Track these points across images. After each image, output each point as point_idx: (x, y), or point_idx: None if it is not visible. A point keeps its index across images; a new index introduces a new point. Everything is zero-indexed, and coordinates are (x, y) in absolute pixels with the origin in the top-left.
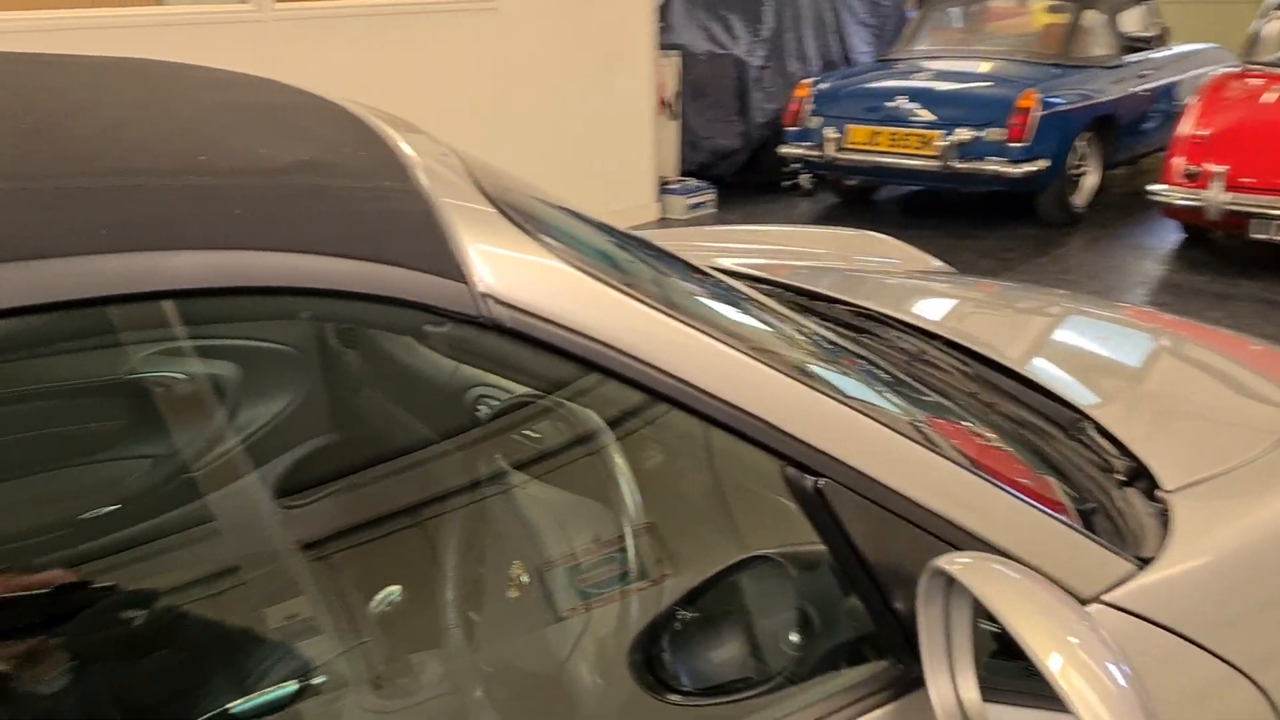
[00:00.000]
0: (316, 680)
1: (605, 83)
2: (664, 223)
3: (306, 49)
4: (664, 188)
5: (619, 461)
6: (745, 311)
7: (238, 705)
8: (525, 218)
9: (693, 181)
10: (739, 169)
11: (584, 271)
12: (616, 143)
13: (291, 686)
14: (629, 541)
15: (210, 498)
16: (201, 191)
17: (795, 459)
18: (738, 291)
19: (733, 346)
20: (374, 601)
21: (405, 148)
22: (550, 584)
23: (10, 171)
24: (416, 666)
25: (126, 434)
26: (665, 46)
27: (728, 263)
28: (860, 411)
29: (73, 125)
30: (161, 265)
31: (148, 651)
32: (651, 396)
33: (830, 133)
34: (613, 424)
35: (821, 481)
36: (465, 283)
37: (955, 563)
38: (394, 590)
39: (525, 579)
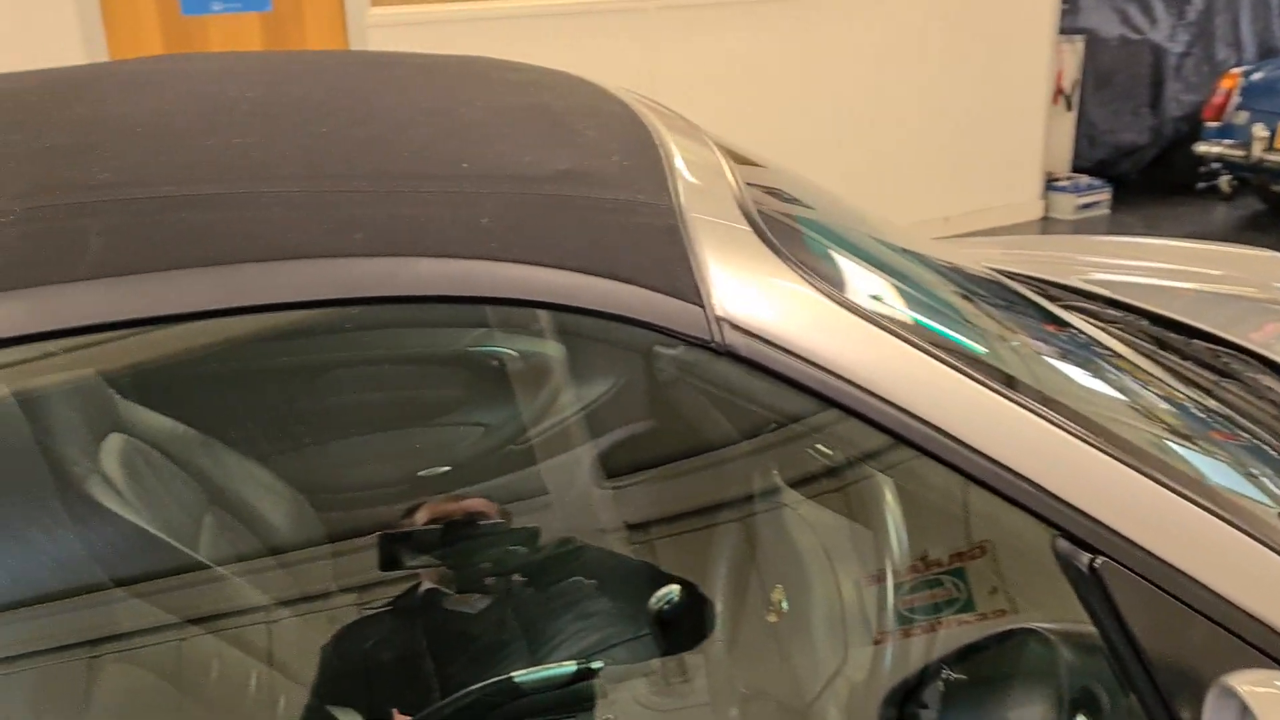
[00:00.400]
0: (596, 664)
1: (993, 68)
2: (1046, 223)
3: (687, 39)
4: (1051, 184)
5: (882, 494)
6: (1062, 350)
7: (526, 675)
8: (787, 237)
9: (1085, 179)
10: (1145, 167)
11: (834, 299)
12: (1001, 134)
13: (570, 667)
14: (889, 578)
15: (532, 469)
16: (456, 199)
17: (1067, 529)
18: (1068, 325)
19: (1003, 391)
20: (655, 597)
21: (676, 157)
22: (815, 610)
23: (294, 172)
24: (690, 670)
25: (462, 403)
26: (1068, 30)
27: (1081, 280)
28: (1160, 482)
29: (361, 129)
30: (400, 271)
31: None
32: (899, 441)
33: (1260, 130)
34: (874, 455)
35: (1099, 561)
36: (701, 305)
37: (1254, 688)
38: (674, 590)
39: (785, 604)
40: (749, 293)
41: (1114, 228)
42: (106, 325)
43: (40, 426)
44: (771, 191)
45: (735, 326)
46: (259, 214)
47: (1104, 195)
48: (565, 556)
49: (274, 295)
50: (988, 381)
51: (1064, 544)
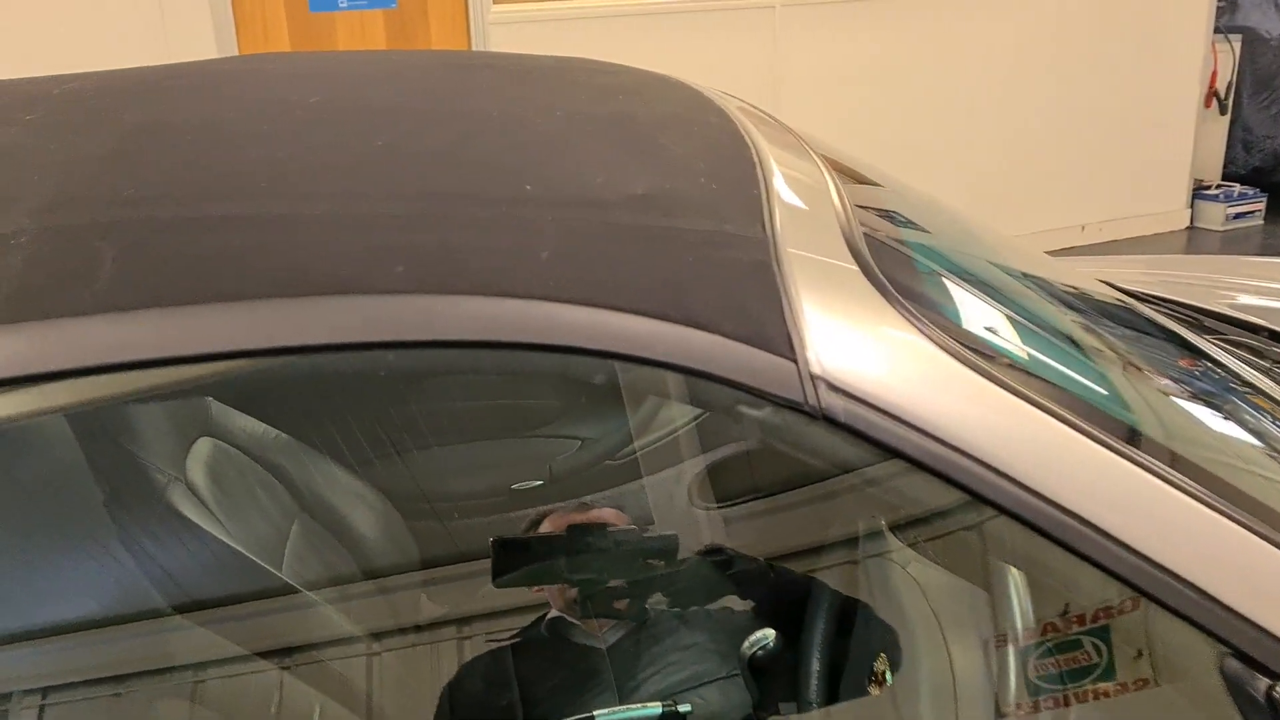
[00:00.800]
0: (684, 708)
1: (1140, 68)
2: (1192, 233)
3: (814, 37)
4: (1199, 193)
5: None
6: (1223, 404)
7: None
8: (900, 274)
9: (1237, 188)
10: None
11: (953, 353)
12: (1146, 137)
13: (656, 709)
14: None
15: (630, 485)
16: (514, 226)
17: (1241, 648)
18: (1226, 369)
19: (1164, 474)
20: (749, 641)
21: (775, 178)
22: (923, 682)
23: (339, 190)
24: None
25: (560, 414)
26: (1225, 29)
27: (1232, 306)
28: None
29: (421, 141)
30: (441, 311)
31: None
32: (1033, 531)
33: None
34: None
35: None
36: (794, 360)
37: None
38: (770, 634)
39: (889, 675)
40: (852, 346)
41: (1269, 241)
42: (109, 367)
43: (126, 430)
44: (885, 216)
45: (833, 387)
46: (288, 239)
47: (1258, 205)
48: (696, 577)
49: (295, 336)
50: (1144, 461)
51: (1235, 665)
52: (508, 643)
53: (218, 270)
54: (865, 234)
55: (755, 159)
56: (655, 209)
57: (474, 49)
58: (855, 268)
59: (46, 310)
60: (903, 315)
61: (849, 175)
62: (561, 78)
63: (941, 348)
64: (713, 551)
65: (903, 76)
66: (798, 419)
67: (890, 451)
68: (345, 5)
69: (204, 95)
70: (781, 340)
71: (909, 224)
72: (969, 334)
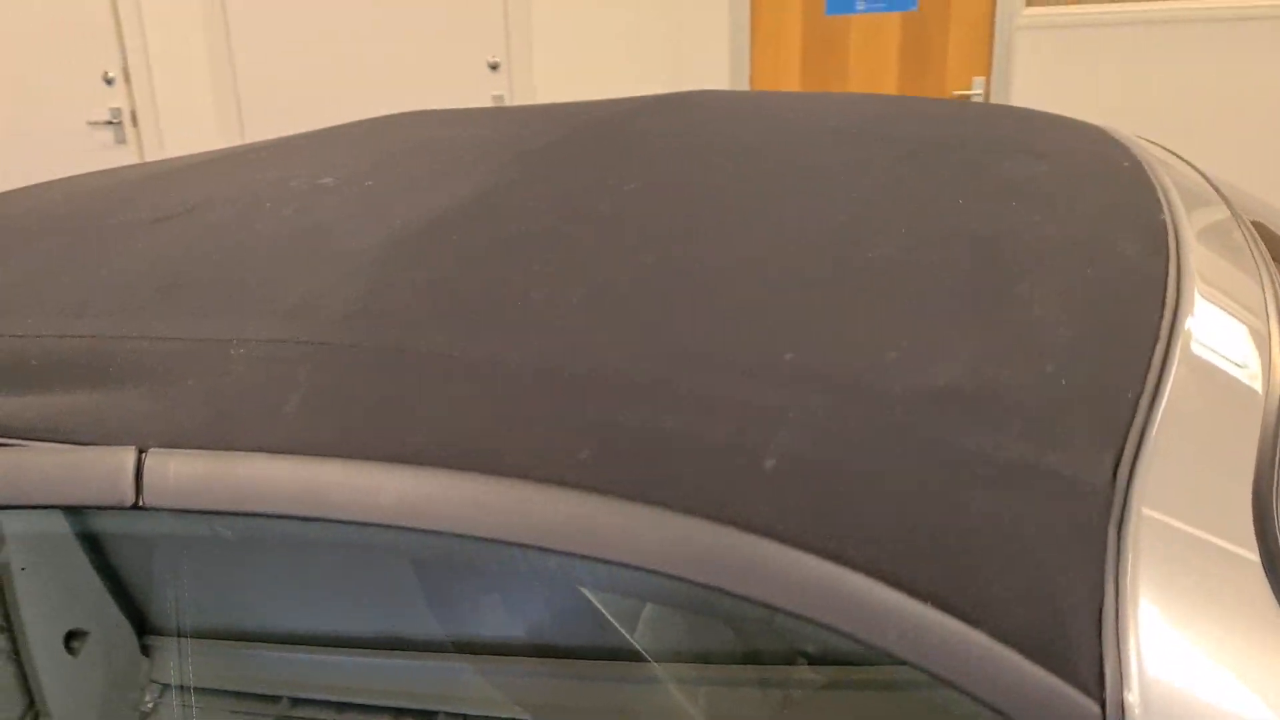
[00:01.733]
0: None
1: None
2: None
3: None
4: None
5: None
6: None
7: None
8: None
9: None
10: None
11: None
12: None
13: None
14: None
15: None
16: (744, 414)
17: None
18: None
19: None
20: None
21: (1177, 370)
22: None
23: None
24: None
25: None
26: None
27: None
28: None
29: (675, 253)
30: (601, 524)
31: None
32: None
33: None
34: None
35: None
36: (1101, 703)
37: None
38: None
39: None
40: (1214, 695)
41: None
42: (276, 515)
43: None
44: None
45: None
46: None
47: None
48: None
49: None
50: None
51: None
52: None
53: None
54: None
55: (1166, 323)
56: (956, 410)
57: (995, 56)
58: (1255, 558)
59: (222, 439)
60: None
61: None
62: (937, 153)
63: None
64: None
65: None
66: None
67: None
68: (863, 8)
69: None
70: (1087, 665)
71: None
72: None
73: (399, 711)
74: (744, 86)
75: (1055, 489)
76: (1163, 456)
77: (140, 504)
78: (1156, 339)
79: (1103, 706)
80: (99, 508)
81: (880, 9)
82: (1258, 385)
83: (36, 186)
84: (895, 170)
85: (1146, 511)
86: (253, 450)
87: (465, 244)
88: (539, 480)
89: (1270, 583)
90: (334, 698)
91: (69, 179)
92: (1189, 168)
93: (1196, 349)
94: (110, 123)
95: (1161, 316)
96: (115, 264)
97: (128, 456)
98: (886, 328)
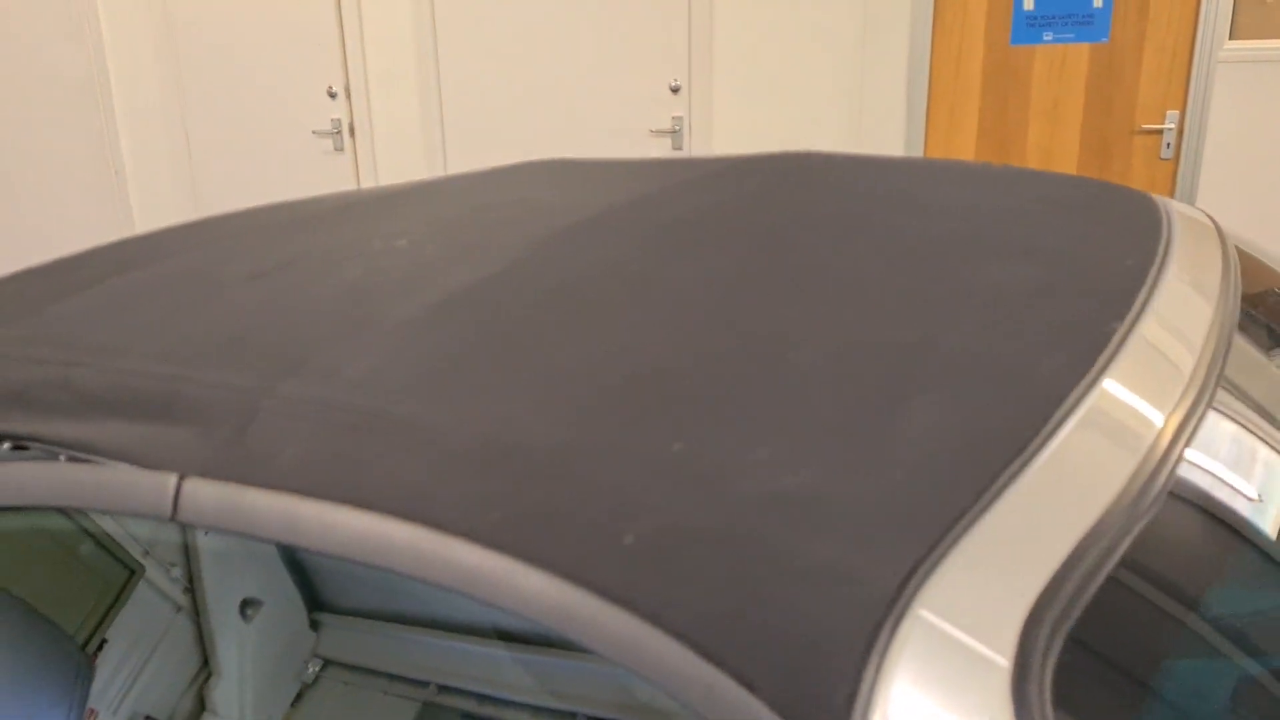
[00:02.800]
0: None
1: None
2: None
3: None
4: None
5: None
6: None
7: None
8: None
9: None
10: None
11: None
12: None
13: None
14: None
15: None
16: (638, 500)
17: None
18: None
19: None
20: None
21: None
22: None
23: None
24: None
25: None
26: None
27: None
28: None
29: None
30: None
31: None
32: None
33: None
34: None
35: None
36: None
37: None
38: None
39: None
40: None
41: None
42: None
43: None
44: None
45: None
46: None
47: None
48: None
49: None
50: None
51: None
52: None
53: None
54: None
55: (1029, 445)
56: (791, 511)
57: (1191, 90)
58: (1007, 664)
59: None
60: None
61: None
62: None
63: None
64: None
65: None
66: None
67: None
68: (1050, 39)
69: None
70: None
71: None
72: None
73: (537, 710)
74: (920, 114)
75: (851, 589)
76: (964, 569)
77: (175, 519)
78: (1013, 458)
79: None
80: (146, 517)
81: (1069, 39)
82: (1088, 510)
83: (180, 228)
84: (865, 268)
85: (922, 613)
86: (257, 486)
87: (466, 318)
88: (458, 534)
89: (1013, 689)
90: (477, 689)
91: (217, 220)
92: (1243, 257)
93: (1046, 468)
94: (331, 133)
95: (1035, 436)
96: (205, 315)
97: (170, 480)
98: (772, 429)
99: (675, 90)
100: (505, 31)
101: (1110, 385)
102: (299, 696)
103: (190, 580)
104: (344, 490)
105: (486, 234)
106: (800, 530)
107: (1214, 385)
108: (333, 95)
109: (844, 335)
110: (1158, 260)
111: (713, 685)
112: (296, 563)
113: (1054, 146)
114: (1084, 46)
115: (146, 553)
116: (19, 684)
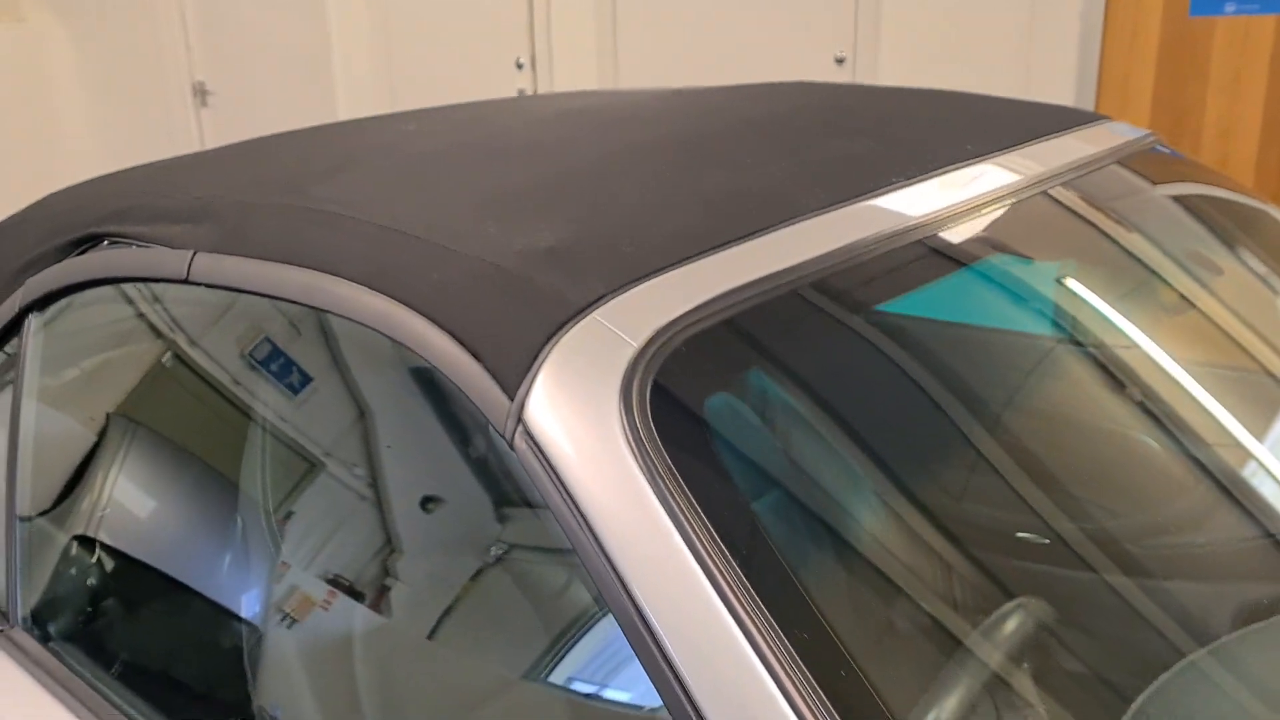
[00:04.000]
0: None
1: None
2: None
3: None
4: None
5: None
6: None
7: None
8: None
9: None
10: None
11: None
12: None
13: None
14: None
15: None
16: (445, 250)
17: None
18: None
19: None
20: None
21: None
22: None
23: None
24: None
25: None
26: None
27: None
28: None
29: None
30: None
31: None
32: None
33: None
34: None
35: None
36: (511, 399)
37: None
38: None
39: None
40: (577, 389)
41: None
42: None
43: None
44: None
45: (529, 430)
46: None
47: None
48: None
49: None
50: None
51: None
52: None
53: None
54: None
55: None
56: (540, 256)
57: None
58: (635, 344)
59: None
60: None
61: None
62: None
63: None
64: None
65: None
66: (498, 445)
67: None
68: (1233, 10)
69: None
70: (519, 379)
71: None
72: None
73: None
74: (1091, 86)
75: (558, 303)
76: (639, 296)
77: (188, 281)
78: (725, 243)
79: (511, 401)
80: (169, 280)
81: (1253, 10)
82: (749, 275)
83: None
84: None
85: (596, 316)
86: (240, 256)
87: (446, 166)
88: (351, 279)
89: (635, 356)
90: None
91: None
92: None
93: (745, 250)
94: None
95: (752, 233)
96: (265, 167)
97: (187, 255)
98: (565, 218)
99: (840, 62)
100: (679, 6)
101: (843, 213)
102: (478, 573)
103: (372, 477)
104: (293, 257)
105: (561, 130)
106: (544, 271)
107: (948, 224)
108: (520, 66)
109: (683, 178)
110: (995, 151)
111: (453, 353)
112: (483, 465)
113: (1233, 121)
114: (1269, 18)
115: (328, 453)
116: (225, 541)
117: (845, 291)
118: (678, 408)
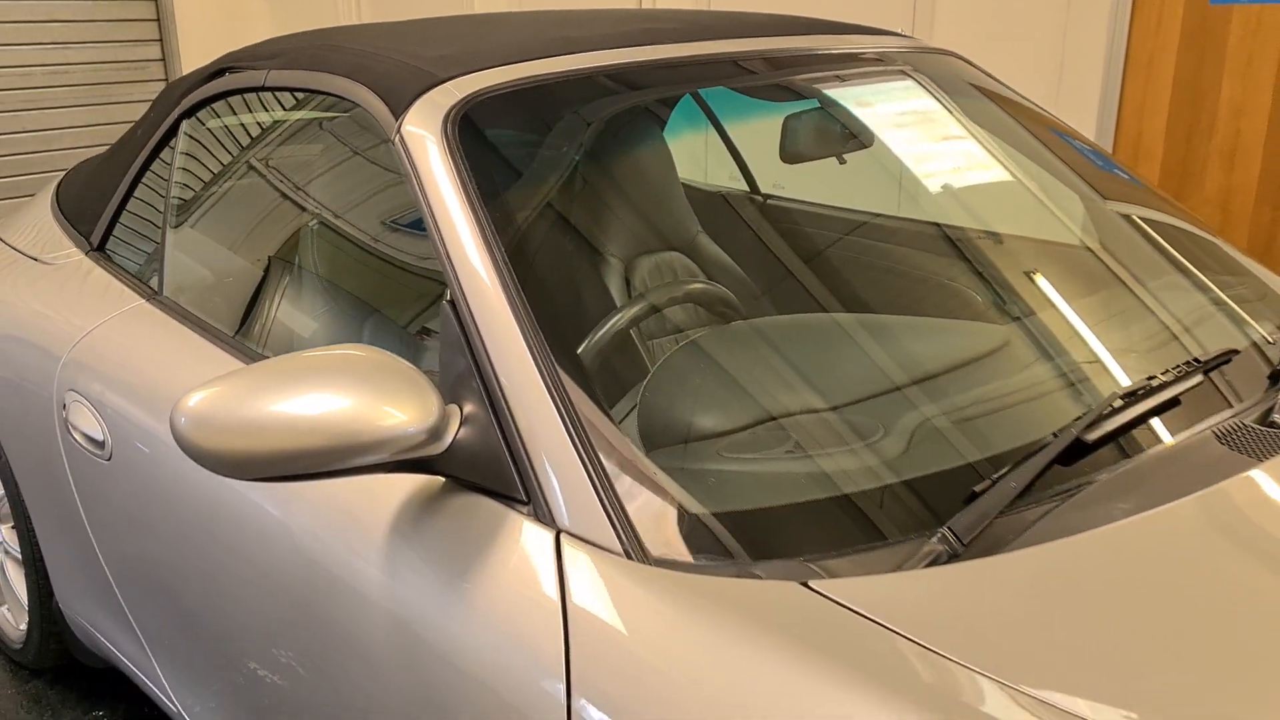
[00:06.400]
0: None
1: None
2: None
3: None
4: None
5: None
6: None
7: None
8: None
9: None
10: None
11: None
12: None
13: None
14: None
15: None
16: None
17: None
18: None
19: None
20: None
21: None
22: None
23: None
24: None
25: None
26: None
27: None
28: None
29: None
30: None
31: None
32: None
33: None
34: None
35: None
36: (395, 119)
37: None
38: None
39: None
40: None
41: None
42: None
43: None
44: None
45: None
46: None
47: None
48: None
49: None
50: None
51: None
52: None
53: None
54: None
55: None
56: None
57: None
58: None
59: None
60: None
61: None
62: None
63: None
64: None
65: None
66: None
67: None
68: None
69: None
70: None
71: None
72: None
73: None
74: (1119, 65)
75: (428, 75)
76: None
77: (264, 87)
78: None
79: (396, 119)
80: (257, 89)
81: (1268, 0)
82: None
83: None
84: None
85: (448, 86)
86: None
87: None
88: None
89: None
90: None
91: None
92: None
93: None
94: None
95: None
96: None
97: (264, 72)
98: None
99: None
100: None
101: (639, 49)
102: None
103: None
104: (316, 68)
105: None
106: (431, 64)
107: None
108: None
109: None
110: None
111: (369, 98)
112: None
113: (1245, 101)
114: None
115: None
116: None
117: (605, 89)
118: (476, 132)
